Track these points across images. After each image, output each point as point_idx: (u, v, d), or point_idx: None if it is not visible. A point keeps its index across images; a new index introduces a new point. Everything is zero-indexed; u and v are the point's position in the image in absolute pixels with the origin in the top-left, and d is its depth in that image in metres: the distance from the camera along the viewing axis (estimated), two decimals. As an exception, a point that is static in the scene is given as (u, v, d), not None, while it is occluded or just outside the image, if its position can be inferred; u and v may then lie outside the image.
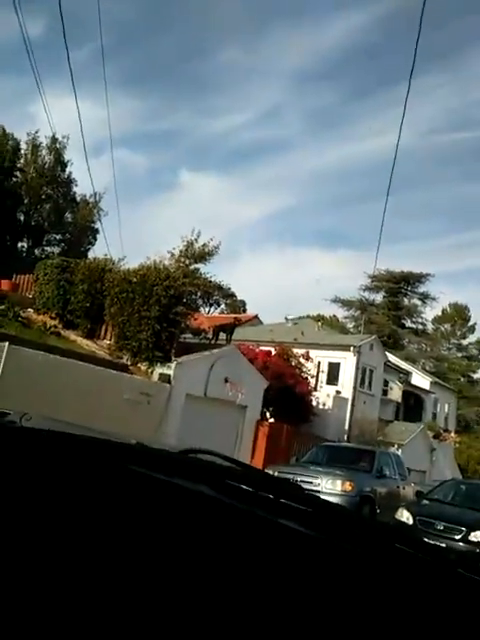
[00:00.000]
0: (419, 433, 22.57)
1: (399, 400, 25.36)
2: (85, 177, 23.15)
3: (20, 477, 1.03)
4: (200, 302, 28.17)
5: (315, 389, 19.96)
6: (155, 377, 13.51)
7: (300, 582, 0.87)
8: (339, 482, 10.82)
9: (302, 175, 65.32)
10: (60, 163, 26.91)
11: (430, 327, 44.68)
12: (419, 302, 41.38)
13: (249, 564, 0.90)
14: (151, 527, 0.96)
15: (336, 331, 30.83)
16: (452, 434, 28.14)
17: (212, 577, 0.89)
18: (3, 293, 14.86)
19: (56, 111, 34.32)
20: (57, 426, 1.32)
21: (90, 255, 23.74)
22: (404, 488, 12.88)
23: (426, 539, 7.89)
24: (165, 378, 13.43)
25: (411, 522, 9.16)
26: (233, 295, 36.71)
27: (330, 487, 10.64)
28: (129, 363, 13.71)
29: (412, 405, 27.02)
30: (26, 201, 26.22)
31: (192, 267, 17.86)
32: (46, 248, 27.73)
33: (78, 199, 28.15)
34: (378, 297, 41.83)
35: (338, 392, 20.95)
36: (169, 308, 13.59)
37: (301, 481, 10.25)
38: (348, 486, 10.78)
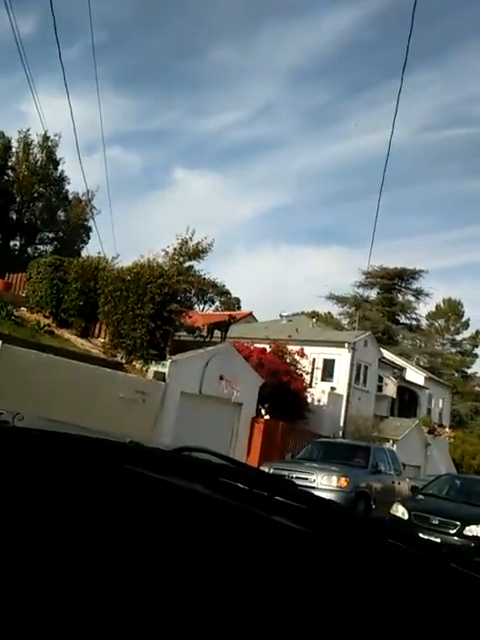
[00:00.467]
0: (414, 428, 22.68)
1: (394, 396, 25.46)
2: (78, 175, 23.09)
3: (12, 477, 1.02)
4: (194, 300, 28.15)
5: (310, 386, 19.99)
6: (150, 375, 13.49)
7: (294, 578, 0.87)
8: (334, 478, 10.86)
9: (296, 172, 65.37)
10: (52, 161, 26.74)
11: (424, 323, 44.89)
12: (413, 298, 41.57)
13: (244, 561, 0.90)
14: (145, 525, 0.96)
15: (331, 328, 30.88)
16: (446, 429, 28.30)
17: (207, 574, 0.89)
18: (-4, 292, 14.78)
19: (48, 109, 34.19)
20: (50, 426, 1.32)
21: (83, 253, 23.67)
22: (399, 483, 12.94)
23: (421, 534, 7.95)
24: (160, 376, 13.41)
25: (406, 517, 9.21)
26: (228, 292, 36.72)
27: (326, 483, 10.67)
28: (124, 361, 13.68)
29: (407, 401, 27.14)
30: (18, 199, 26.05)
31: (186, 265, 17.80)
32: (39, 246, 27.61)
33: (71, 197, 28.01)
34: (372, 293, 41.99)
35: (333, 388, 21.00)
36: (163, 306, 13.57)
37: (297, 477, 10.26)
38: (343, 482, 10.82)
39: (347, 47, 55.80)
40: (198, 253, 17.97)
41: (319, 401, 20.22)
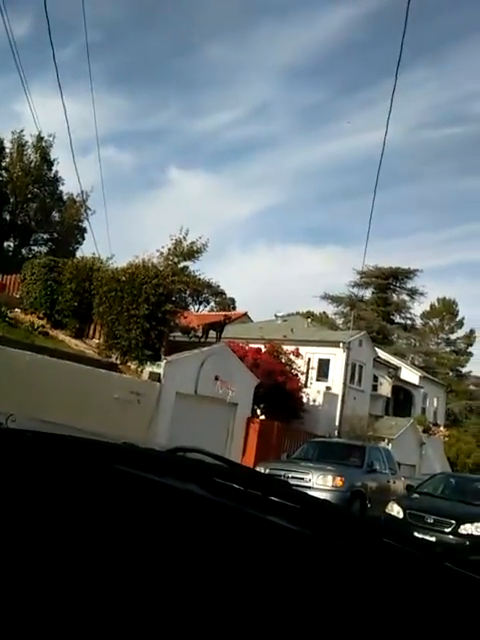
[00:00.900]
0: (409, 428, 22.75)
1: (389, 395, 25.53)
2: (72, 175, 22.84)
3: (5, 479, 1.02)
4: (189, 300, 28.15)
5: (305, 386, 20.01)
6: (145, 376, 13.47)
7: (289, 579, 0.87)
8: (330, 477, 10.88)
9: (291, 172, 65.41)
10: (46, 162, 26.63)
11: (419, 322, 45.06)
12: (408, 297, 41.73)
13: (239, 562, 0.90)
14: (140, 526, 0.95)
15: (325, 327, 30.94)
16: (441, 428, 28.39)
17: (202, 575, 0.88)
18: (-10, 293, 14.71)
19: (42, 109, 34.03)
20: (43, 427, 1.31)
21: (78, 254, 23.56)
22: (394, 482, 12.97)
23: (416, 532, 7.98)
24: (155, 377, 13.39)
25: (402, 516, 9.24)
26: (222, 293, 36.72)
27: (321, 483, 10.69)
28: (118, 362, 13.65)
29: (402, 400, 27.22)
30: (12, 200, 25.93)
31: (181, 265, 17.79)
32: (33, 247, 27.48)
33: (65, 198, 27.89)
34: (367, 293, 42.13)
35: (328, 388, 21.04)
36: (158, 306, 13.54)
37: (292, 477, 10.28)
38: (339, 481, 10.84)
39: (342, 45, 55.93)
40: (193, 253, 17.97)
41: (314, 401, 20.26)
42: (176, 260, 17.53)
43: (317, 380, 21.34)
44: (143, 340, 13.44)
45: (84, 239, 27.59)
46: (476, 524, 8.56)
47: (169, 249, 17.54)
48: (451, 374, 43.13)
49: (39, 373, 10.36)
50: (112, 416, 10.60)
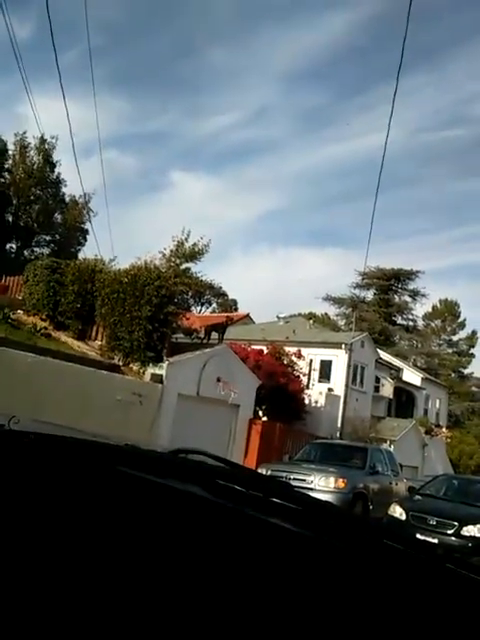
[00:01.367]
0: (411, 429, 22.70)
1: (391, 396, 25.48)
2: (74, 178, 22.88)
3: (8, 481, 1.02)
4: (191, 302, 28.15)
5: (307, 387, 19.99)
6: (147, 377, 13.47)
7: (290, 579, 0.87)
8: (332, 479, 10.85)
9: (292, 174, 65.38)
10: (49, 164, 26.69)
11: (421, 323, 44.98)
12: (409, 299, 41.66)
13: (240, 563, 0.90)
14: (142, 528, 0.96)
15: (327, 329, 30.91)
16: (443, 429, 28.33)
17: (203, 576, 0.89)
18: (-8, 295, 14.74)
19: (45, 112, 34.15)
20: (46, 429, 1.31)
21: (80, 256, 23.58)
22: (397, 484, 12.94)
23: (419, 534, 7.96)
24: (157, 378, 13.39)
25: (404, 518, 9.21)
26: (224, 294, 36.72)
27: (323, 484, 10.67)
28: (121, 364, 13.66)
29: (404, 401, 27.17)
30: (15, 202, 25.98)
31: (183, 266, 17.78)
32: (35, 249, 27.51)
33: (67, 200, 27.94)
34: (369, 294, 42.06)
35: (330, 390, 21.01)
36: (160, 308, 13.55)
37: (294, 479, 10.26)
38: (341, 483, 10.82)
39: (343, 49, 55.89)
40: (194, 254, 17.96)
41: (316, 402, 20.23)
42: (178, 261, 17.52)
43: (319, 381, 21.31)
44: (145, 342, 13.44)
45: (86, 241, 27.66)
46: (478, 526, 8.53)
47: (171, 250, 17.54)
48: (453, 375, 43.05)
49: (41, 375, 10.38)
50: (114, 418, 10.61)
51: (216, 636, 0.82)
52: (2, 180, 25.56)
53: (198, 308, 34.42)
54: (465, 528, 8.54)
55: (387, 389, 25.28)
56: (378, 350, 25.45)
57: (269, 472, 10.58)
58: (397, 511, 9.49)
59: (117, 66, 51.05)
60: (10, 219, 26.30)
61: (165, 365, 13.51)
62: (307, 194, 67.72)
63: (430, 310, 45.62)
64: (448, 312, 45.93)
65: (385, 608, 0.83)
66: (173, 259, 17.53)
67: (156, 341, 13.62)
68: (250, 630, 0.82)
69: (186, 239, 17.76)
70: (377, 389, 24.51)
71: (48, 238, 27.88)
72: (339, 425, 20.38)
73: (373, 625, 0.81)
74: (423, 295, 40.96)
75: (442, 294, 47.88)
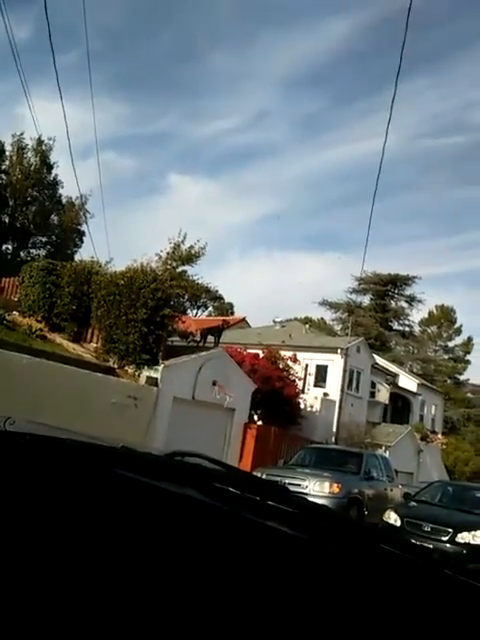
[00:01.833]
0: (406, 435, 22.72)
1: (386, 402, 25.52)
2: (71, 179, 22.85)
3: (3, 482, 1.01)
4: (187, 305, 28.11)
5: (303, 391, 20.00)
6: (142, 380, 13.44)
7: (287, 583, 0.87)
8: (327, 484, 10.84)
9: (290, 179, 65.54)
10: (46, 165, 26.67)
11: (417, 329, 45.12)
12: (406, 304, 41.80)
13: (237, 566, 0.89)
14: (138, 530, 0.95)
15: (323, 333, 30.96)
16: (439, 436, 28.39)
17: (199, 579, 0.88)
18: (-12, 296, 14.69)
19: (43, 113, 34.07)
20: (41, 430, 1.30)
21: (76, 258, 23.60)
22: (392, 490, 12.94)
23: (413, 540, 7.95)
24: (152, 381, 13.36)
25: (399, 524, 9.21)
26: (221, 298, 36.73)
27: (318, 489, 10.66)
28: (116, 366, 13.62)
29: (399, 407, 27.21)
30: (11, 203, 25.94)
31: (179, 269, 17.79)
32: (32, 250, 27.45)
33: (64, 201, 27.91)
34: (365, 299, 42.19)
35: (326, 394, 21.02)
36: (156, 311, 13.53)
37: (289, 483, 10.24)
38: (336, 488, 10.81)
39: (342, 55, 56.24)
40: (191, 257, 17.97)
41: (312, 407, 20.23)
42: (174, 264, 17.54)
43: (315, 386, 21.32)
44: (141, 344, 13.42)
45: (83, 242, 27.61)
46: (473, 532, 8.53)
47: (167, 253, 17.56)
48: (449, 382, 43.15)
49: (36, 377, 10.34)
50: (109, 420, 10.57)
51: (214, 638, 0.82)
52: (-1, 181, 25.53)
53: (194, 311, 34.40)
54: (460, 535, 8.53)
55: (383, 395, 25.32)
56: (374, 355, 25.50)
57: (264, 476, 10.55)
58: (392, 517, 9.48)
59: (117, 70, 51.29)
60: (6, 220, 26.26)
61: (160, 368, 13.48)
62: (305, 198, 68.05)
63: (426, 316, 45.82)
64: (444, 318, 46.09)
65: (382, 612, 0.82)
66: (169, 262, 17.54)
67: (152, 344, 13.60)
68: (247, 633, 0.81)
69: (182, 242, 17.79)
70: (373, 394, 24.54)
71: (44, 239, 27.84)
72: (334, 430, 20.38)
73: (370, 629, 0.81)
74: (420, 301, 41.15)
75: (439, 300, 48.16)
